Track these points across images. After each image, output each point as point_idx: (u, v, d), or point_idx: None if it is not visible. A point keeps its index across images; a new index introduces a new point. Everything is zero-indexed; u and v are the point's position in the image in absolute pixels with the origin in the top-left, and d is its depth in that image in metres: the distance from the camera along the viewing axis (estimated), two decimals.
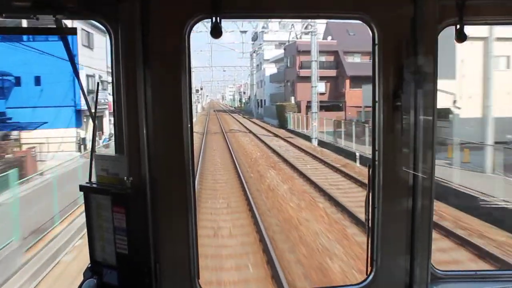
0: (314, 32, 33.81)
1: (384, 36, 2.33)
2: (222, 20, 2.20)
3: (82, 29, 26.49)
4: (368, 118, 28.42)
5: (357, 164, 20.92)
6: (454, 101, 20.20)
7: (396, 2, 2.35)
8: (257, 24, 39.69)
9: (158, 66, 2.21)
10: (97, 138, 23.75)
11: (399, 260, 2.44)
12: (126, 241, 2.10)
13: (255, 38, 63.87)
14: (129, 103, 2.19)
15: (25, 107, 25.52)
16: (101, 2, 2.17)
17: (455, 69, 20.60)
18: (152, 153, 2.23)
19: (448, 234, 10.20)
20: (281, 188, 16.02)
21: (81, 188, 2.21)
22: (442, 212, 11.77)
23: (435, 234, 8.96)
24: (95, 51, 29.07)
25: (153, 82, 2.20)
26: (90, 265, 2.26)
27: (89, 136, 25.79)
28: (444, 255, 9.09)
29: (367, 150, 21.18)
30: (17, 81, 26.39)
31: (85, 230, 2.26)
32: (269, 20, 32.78)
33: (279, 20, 32.63)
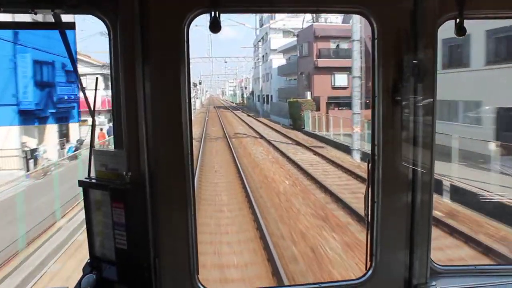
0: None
1: (383, 30, 2.32)
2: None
3: None
4: None
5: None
6: None
7: None
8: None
9: (157, 60, 2.20)
10: (58, 148, 21.85)
11: (398, 255, 2.44)
12: (125, 236, 2.11)
13: (261, 24, 54.51)
14: (128, 97, 2.18)
15: None
16: None
17: None
18: (151, 148, 2.22)
19: None
20: None
21: (80, 183, 2.21)
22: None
23: None
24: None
25: (152, 77, 2.19)
26: (89, 260, 2.26)
27: (44, 147, 21.01)
28: None
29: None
30: None
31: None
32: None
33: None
